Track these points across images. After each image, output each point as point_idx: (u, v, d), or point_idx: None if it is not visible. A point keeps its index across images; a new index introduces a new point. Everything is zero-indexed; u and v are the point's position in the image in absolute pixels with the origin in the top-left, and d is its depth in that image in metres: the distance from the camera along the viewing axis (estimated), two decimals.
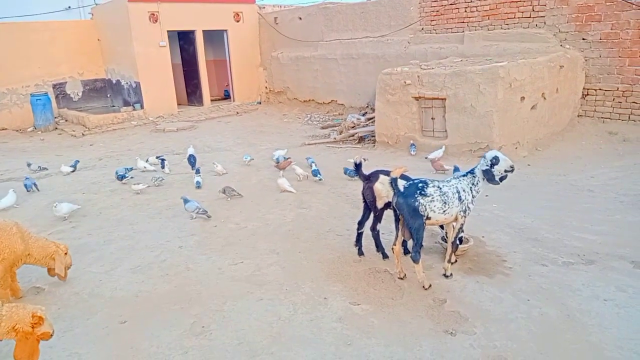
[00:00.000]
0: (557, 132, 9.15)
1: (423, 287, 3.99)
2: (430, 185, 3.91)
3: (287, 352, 3.30)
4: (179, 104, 14.99)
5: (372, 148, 9.77)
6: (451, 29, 11.16)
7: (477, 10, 10.65)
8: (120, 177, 7.72)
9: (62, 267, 4.19)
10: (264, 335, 3.48)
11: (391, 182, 3.93)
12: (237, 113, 15.16)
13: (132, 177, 7.86)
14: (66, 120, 14.35)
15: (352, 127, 10.72)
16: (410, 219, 3.86)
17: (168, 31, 14.15)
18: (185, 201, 6.02)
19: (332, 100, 14.09)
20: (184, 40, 15.53)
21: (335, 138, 10.56)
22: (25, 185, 7.33)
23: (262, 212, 6.17)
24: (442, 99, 8.37)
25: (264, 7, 16.50)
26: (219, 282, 4.31)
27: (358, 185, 6.90)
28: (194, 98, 16.01)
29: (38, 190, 7.48)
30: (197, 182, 7.35)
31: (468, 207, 3.98)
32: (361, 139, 10.35)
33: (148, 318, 3.79)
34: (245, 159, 8.82)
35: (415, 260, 3.95)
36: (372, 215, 4.57)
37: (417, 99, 8.76)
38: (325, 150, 10.05)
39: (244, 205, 6.49)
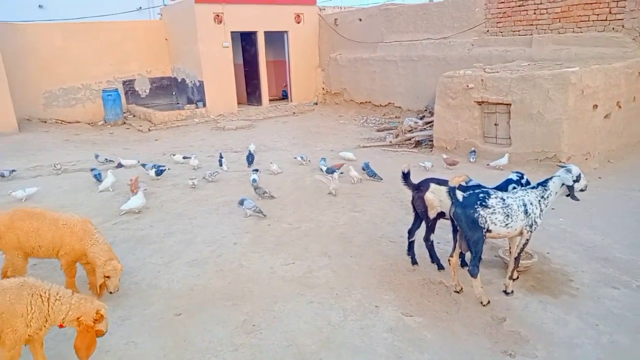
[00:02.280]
0: (633, 143, 8.49)
1: (481, 303, 3.81)
2: (493, 196, 3.71)
3: (336, 359, 3.26)
4: (238, 103, 15.38)
5: (429, 153, 9.53)
6: (518, 31, 10.66)
7: (547, 12, 10.10)
8: (159, 172, 7.96)
9: (97, 283, 4.03)
10: (314, 340, 3.46)
11: (449, 192, 3.77)
12: (294, 113, 15.34)
13: (169, 169, 8.27)
14: (134, 116, 15.13)
15: (409, 131, 10.51)
16: (469, 231, 3.69)
17: (231, 32, 14.56)
18: (242, 201, 6.16)
19: (389, 103, 13.91)
20: (246, 41, 15.91)
21: (391, 141, 10.40)
22: (96, 176, 7.80)
23: (315, 213, 6.16)
24: (507, 104, 8.01)
25: (324, 9, 16.57)
26: (271, 282, 4.34)
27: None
28: (253, 98, 16.37)
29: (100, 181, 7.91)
30: (254, 180, 7.46)
31: (535, 221, 3.75)
32: (418, 143, 10.13)
33: (202, 312, 3.89)
34: (299, 158, 8.90)
35: (473, 275, 3.77)
36: (423, 224, 4.43)
37: (479, 103, 8.44)
38: (380, 153, 9.92)
39: (298, 205, 6.52)
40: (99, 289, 4.02)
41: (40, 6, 18.43)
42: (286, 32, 15.70)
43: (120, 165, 8.88)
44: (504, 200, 3.70)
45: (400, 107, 13.52)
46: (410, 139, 10.20)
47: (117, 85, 15.27)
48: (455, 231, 4.03)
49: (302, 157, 8.96)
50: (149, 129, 13.20)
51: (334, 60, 15.53)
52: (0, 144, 11.13)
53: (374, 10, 14.12)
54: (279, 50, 16.65)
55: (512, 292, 3.97)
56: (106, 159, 9.10)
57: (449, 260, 4.02)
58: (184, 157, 9.22)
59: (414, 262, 4.50)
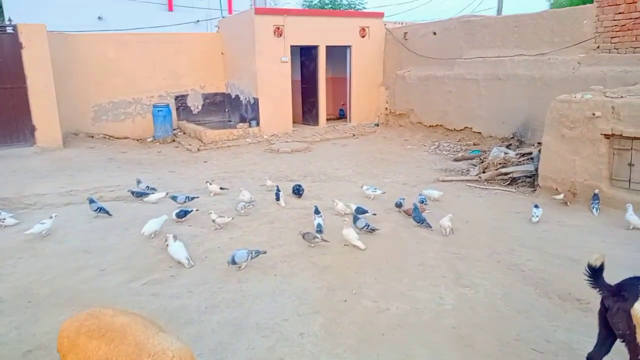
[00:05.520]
0: None
1: None
2: None
3: None
4: (293, 123, 14.09)
5: (530, 194, 7.71)
6: None
7: None
8: (182, 214, 6.35)
9: None
10: None
11: None
12: (354, 135, 13.88)
13: (196, 210, 6.61)
14: (184, 133, 14.15)
15: (502, 165, 8.71)
16: None
17: (291, 46, 13.35)
18: (233, 259, 4.83)
19: (465, 127, 12.16)
20: (305, 56, 14.68)
21: (479, 176, 8.63)
22: (98, 209, 6.60)
23: (406, 284, 4.55)
24: None
25: (385, 24, 15.04)
26: None
27: (534, 254, 5.04)
28: (309, 117, 15.06)
29: (110, 214, 6.60)
30: (318, 225, 5.96)
31: None
32: (513, 180, 8.31)
33: None
34: (370, 191, 7.39)
35: None
36: (611, 344, 2.75)
37: (608, 136, 6.60)
38: (465, 190, 8.21)
39: (378, 267, 4.94)
40: None
41: (99, 18, 18.17)
42: (349, 46, 14.34)
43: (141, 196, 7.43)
44: None
45: (479, 132, 11.74)
46: (504, 174, 8.38)
47: (169, 100, 14.38)
48: None
49: (375, 190, 7.43)
50: (198, 149, 12.10)
51: (401, 77, 13.98)
52: (40, 162, 10.29)
53: (451, 23, 12.48)
54: (339, 66, 15.31)
55: None
56: (148, 187, 7.86)
57: None
58: (221, 188, 7.87)
59: None
